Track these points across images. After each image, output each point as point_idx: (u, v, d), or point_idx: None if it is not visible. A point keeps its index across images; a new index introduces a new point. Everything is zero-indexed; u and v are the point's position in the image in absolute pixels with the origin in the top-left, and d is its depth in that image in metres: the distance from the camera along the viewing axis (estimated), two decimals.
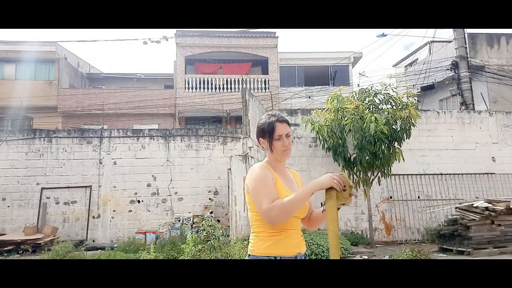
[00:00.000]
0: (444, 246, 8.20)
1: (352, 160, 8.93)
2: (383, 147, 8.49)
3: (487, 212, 7.69)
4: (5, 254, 8.27)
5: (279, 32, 47.79)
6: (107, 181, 10.14)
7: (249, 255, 1.92)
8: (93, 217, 9.95)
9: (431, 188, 10.25)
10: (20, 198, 9.88)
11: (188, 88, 17.28)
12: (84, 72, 20.51)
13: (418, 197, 10.14)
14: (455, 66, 13.44)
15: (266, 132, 1.97)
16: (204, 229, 5.83)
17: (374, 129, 7.96)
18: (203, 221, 5.94)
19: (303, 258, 1.95)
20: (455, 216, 8.35)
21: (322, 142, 9.26)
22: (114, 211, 10.02)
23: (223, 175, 10.12)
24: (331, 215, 1.90)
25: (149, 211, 10.08)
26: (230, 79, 17.36)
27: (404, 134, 8.68)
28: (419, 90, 13.78)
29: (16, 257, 8.20)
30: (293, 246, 1.90)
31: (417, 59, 19.70)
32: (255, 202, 1.87)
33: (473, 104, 13.11)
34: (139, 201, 10.12)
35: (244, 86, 16.51)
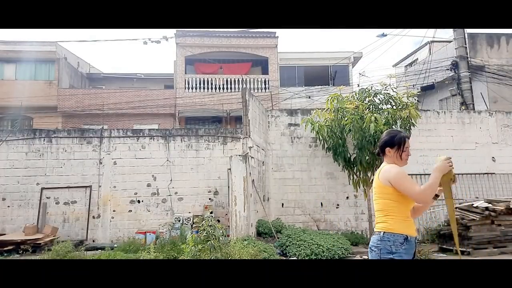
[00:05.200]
0: (444, 246, 8.20)
1: (352, 160, 8.92)
2: None
3: (487, 212, 7.70)
4: (5, 254, 8.27)
5: (279, 32, 47.81)
6: (107, 181, 10.14)
7: (384, 232, 2.44)
8: (93, 217, 9.95)
9: None
10: (20, 198, 9.88)
11: (188, 88, 17.29)
12: (84, 72, 20.51)
13: None
14: (455, 66, 13.44)
15: (397, 144, 2.59)
16: (204, 229, 5.81)
17: (374, 129, 7.96)
18: (203, 221, 5.92)
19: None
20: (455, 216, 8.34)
21: (322, 142, 9.25)
22: (114, 211, 10.02)
23: (223, 175, 10.12)
24: (449, 194, 2.53)
25: (149, 211, 10.08)
26: (230, 79, 17.37)
27: None
28: (419, 90, 13.78)
29: (16, 257, 8.20)
30: (414, 229, 2.50)
31: (417, 59, 19.70)
32: (404, 190, 2.42)
33: (473, 104, 13.11)
34: (139, 201, 10.12)
35: (244, 86, 16.52)
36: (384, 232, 2.43)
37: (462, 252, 7.63)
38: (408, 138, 2.67)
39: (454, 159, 9.37)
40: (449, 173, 2.48)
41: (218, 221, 9.07)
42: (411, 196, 2.42)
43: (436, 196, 2.49)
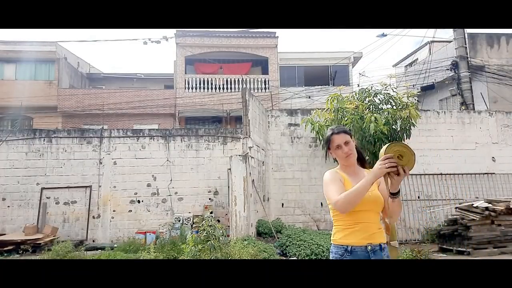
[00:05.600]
0: (444, 246, 8.20)
1: None
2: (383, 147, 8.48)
3: (487, 212, 7.69)
4: (5, 254, 8.27)
5: (279, 32, 47.83)
6: (107, 181, 10.14)
7: (331, 243, 2.29)
8: (93, 217, 9.95)
9: (431, 188, 10.25)
10: (20, 198, 9.88)
11: (188, 88, 17.29)
12: (84, 72, 20.50)
13: (418, 197, 10.14)
14: (455, 66, 13.44)
15: (327, 145, 2.35)
16: (204, 229, 5.82)
17: (374, 129, 7.96)
18: (203, 221, 5.92)
19: (376, 248, 2.16)
20: (455, 216, 8.35)
21: (322, 142, 9.25)
22: (114, 211, 10.02)
23: (223, 175, 10.12)
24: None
25: (149, 211, 10.08)
26: (230, 79, 17.36)
27: (404, 134, 8.67)
28: (419, 90, 13.78)
29: (16, 257, 8.20)
30: (364, 237, 2.15)
31: (417, 59, 19.70)
32: (328, 200, 2.20)
33: (473, 104, 13.11)
34: (139, 201, 10.12)
35: (244, 86, 16.52)
36: (331, 243, 2.31)
37: (462, 252, 7.63)
38: (342, 132, 2.31)
39: (454, 159, 9.27)
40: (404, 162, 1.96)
41: (218, 221, 9.08)
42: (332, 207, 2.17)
43: (393, 194, 2.09)
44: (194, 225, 9.47)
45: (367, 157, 8.43)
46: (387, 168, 1.95)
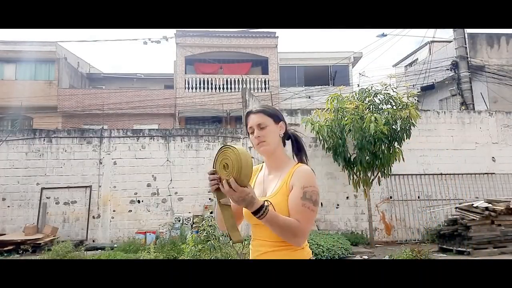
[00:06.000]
0: (444, 246, 8.20)
1: (352, 160, 8.93)
2: (383, 147, 8.50)
3: (487, 212, 7.70)
4: (5, 254, 8.27)
5: (279, 32, 47.83)
6: (107, 181, 10.14)
7: None
8: (93, 217, 9.95)
9: (431, 188, 10.25)
10: (20, 198, 9.88)
11: (188, 88, 17.30)
12: (84, 72, 20.52)
13: (418, 197, 10.14)
14: (455, 66, 13.45)
15: (246, 128, 1.81)
16: (204, 229, 5.83)
17: (374, 129, 7.97)
18: (203, 221, 5.94)
19: None
20: (455, 216, 8.35)
21: (322, 142, 9.26)
22: (114, 211, 10.02)
23: None
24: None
25: (149, 211, 10.08)
26: (230, 79, 17.37)
27: (404, 134, 8.68)
28: (419, 90, 13.79)
29: (16, 257, 8.20)
30: (253, 258, 1.84)
31: (417, 59, 19.71)
32: None
33: (473, 104, 13.12)
34: (139, 201, 10.11)
35: (244, 86, 16.52)
36: None
37: (462, 252, 7.64)
38: (259, 112, 1.80)
39: (454, 159, 9.28)
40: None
41: None
42: None
43: (253, 214, 1.56)
44: (194, 225, 9.48)
45: (367, 157, 8.44)
46: (211, 186, 1.56)
